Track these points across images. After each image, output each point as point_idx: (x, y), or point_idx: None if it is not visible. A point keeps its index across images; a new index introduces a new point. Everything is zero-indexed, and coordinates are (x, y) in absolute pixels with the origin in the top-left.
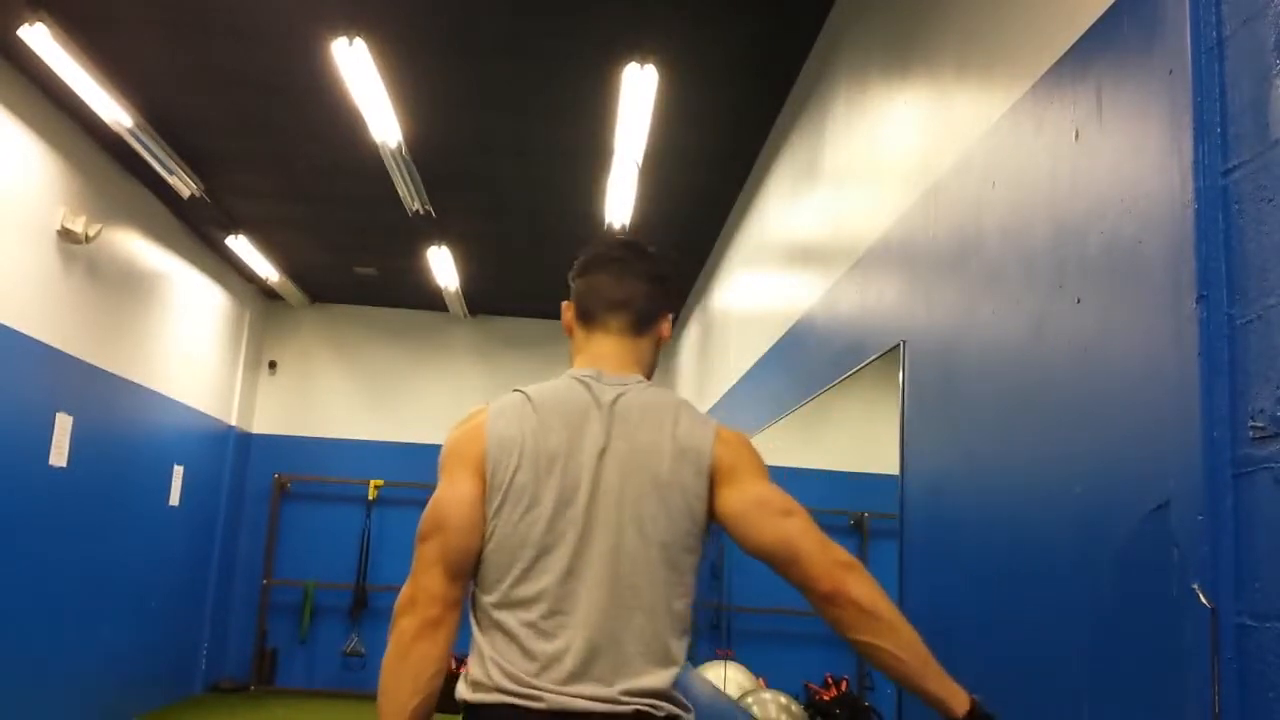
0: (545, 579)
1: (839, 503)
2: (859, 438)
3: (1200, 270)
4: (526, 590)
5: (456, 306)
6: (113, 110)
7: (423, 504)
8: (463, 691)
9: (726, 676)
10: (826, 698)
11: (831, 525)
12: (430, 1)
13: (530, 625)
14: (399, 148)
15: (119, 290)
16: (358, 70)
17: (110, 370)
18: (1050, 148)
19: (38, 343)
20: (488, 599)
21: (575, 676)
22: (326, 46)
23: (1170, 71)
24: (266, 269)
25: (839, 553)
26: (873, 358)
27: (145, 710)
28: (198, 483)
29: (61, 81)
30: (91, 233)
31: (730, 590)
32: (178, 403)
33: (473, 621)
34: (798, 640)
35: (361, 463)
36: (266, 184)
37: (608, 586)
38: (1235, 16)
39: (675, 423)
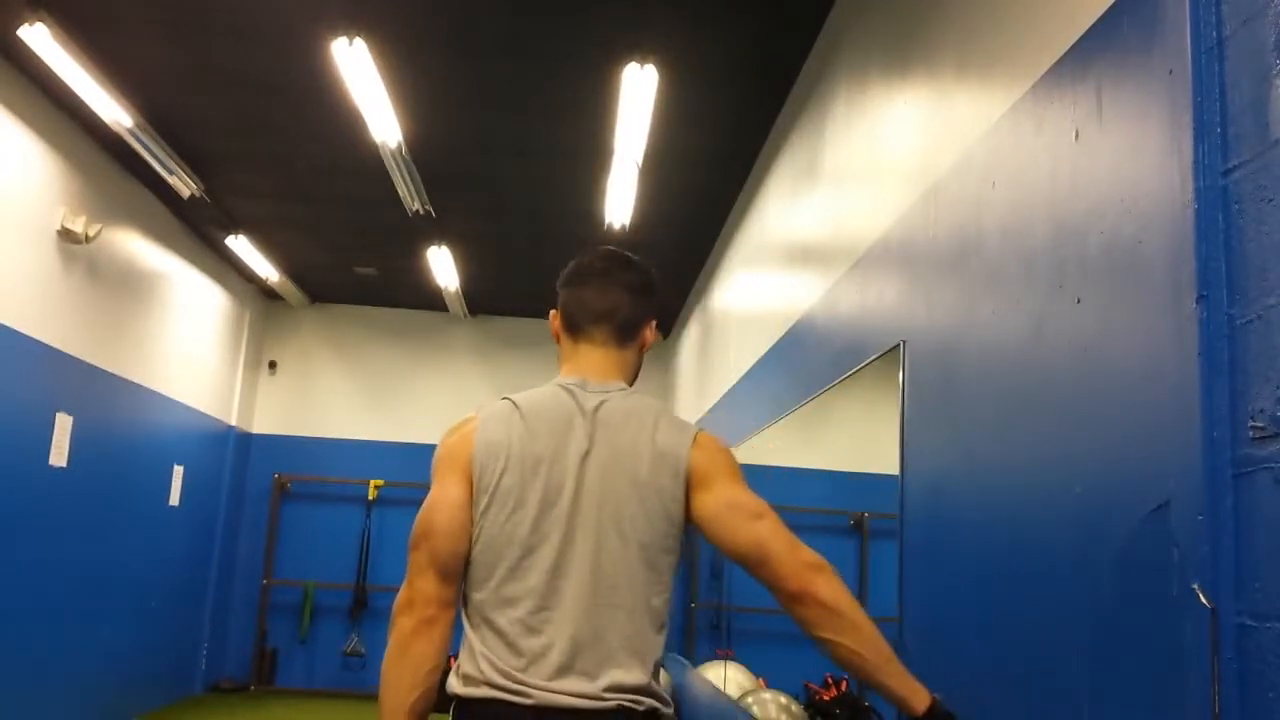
0: (531, 577)
1: (839, 503)
2: (859, 438)
3: (1200, 270)
4: (513, 588)
5: (456, 306)
6: (113, 110)
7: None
8: (454, 685)
9: (726, 676)
10: (826, 698)
11: (831, 525)
12: (430, 1)
13: (518, 622)
14: (399, 148)
15: (119, 290)
16: (358, 70)
17: (110, 370)
18: (1050, 148)
19: (37, 343)
20: (477, 596)
21: (561, 671)
22: (326, 46)
23: (1170, 71)
24: (266, 269)
25: (807, 554)
26: (873, 358)
27: (145, 710)
28: (198, 483)
29: (61, 81)
30: (91, 233)
31: (730, 590)
32: (178, 403)
33: (464, 618)
34: (798, 640)
35: (361, 463)
36: (266, 184)
37: (590, 584)
38: (1235, 16)
39: (655, 428)
